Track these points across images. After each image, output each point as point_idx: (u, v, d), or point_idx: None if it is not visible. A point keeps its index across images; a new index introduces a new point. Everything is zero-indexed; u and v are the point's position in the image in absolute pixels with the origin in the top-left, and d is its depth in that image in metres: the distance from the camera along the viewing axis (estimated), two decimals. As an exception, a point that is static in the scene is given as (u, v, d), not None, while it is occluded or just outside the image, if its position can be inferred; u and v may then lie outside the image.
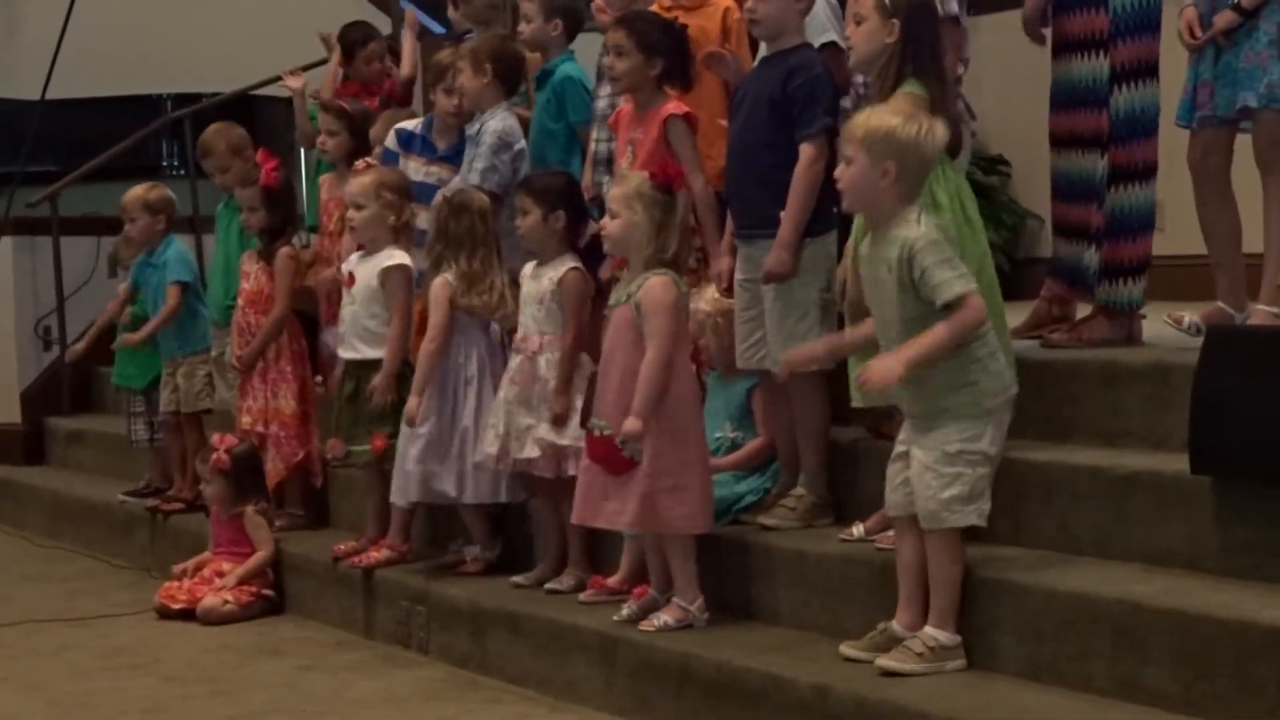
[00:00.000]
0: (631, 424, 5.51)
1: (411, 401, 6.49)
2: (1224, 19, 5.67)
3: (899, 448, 5.03)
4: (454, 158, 7.08)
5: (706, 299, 6.10)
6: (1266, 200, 5.72)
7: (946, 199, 5.26)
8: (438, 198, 6.67)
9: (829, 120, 5.64)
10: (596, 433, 5.64)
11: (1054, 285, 6.35)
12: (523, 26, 7.10)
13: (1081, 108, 6.06)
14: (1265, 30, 5.60)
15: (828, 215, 5.67)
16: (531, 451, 6.18)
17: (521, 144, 6.87)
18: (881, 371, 4.84)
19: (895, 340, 4.93)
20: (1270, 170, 5.70)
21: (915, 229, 4.87)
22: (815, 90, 5.67)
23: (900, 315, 4.92)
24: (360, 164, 7.18)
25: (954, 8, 5.84)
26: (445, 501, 6.68)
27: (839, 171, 5.03)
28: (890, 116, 4.95)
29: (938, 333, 4.82)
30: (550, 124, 6.92)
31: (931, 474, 4.89)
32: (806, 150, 5.64)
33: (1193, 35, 5.71)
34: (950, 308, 4.81)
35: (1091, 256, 6.04)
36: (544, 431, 6.17)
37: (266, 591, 7.36)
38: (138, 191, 8.59)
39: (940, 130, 4.97)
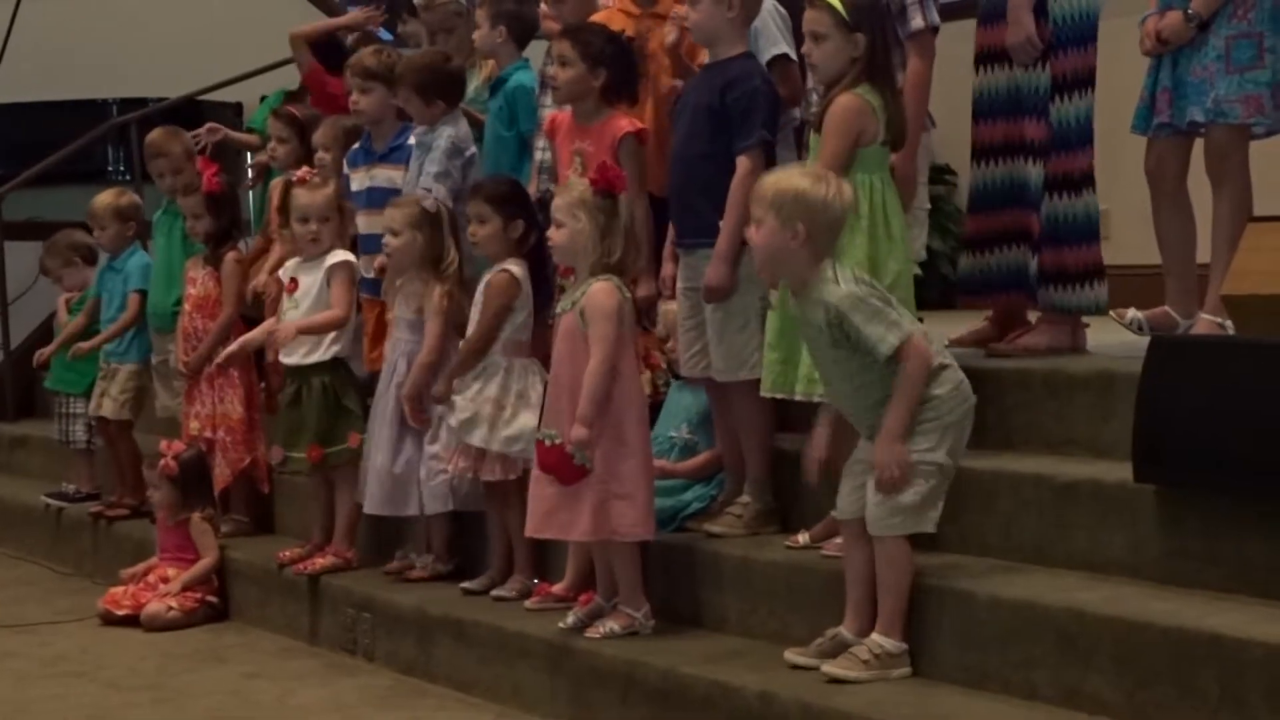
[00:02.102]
0: (579, 432, 5.50)
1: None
2: (1172, 29, 5.71)
3: (858, 455, 5.05)
4: (390, 155, 7.05)
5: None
6: (1215, 212, 5.76)
7: (868, 209, 5.27)
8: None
9: (765, 132, 5.66)
10: (547, 442, 5.62)
11: (995, 300, 6.32)
12: (475, 34, 7.11)
13: (1007, 117, 6.07)
14: (1214, 45, 5.65)
15: None
16: (519, 448, 6.14)
17: (473, 150, 6.85)
18: (890, 467, 4.87)
19: (841, 390, 5.00)
20: (1219, 183, 5.75)
21: (835, 289, 4.88)
22: (752, 102, 5.68)
23: (839, 370, 4.97)
24: (302, 172, 7.13)
25: (935, 17, 5.87)
26: (406, 515, 6.70)
27: (748, 232, 5.04)
28: (799, 178, 4.97)
29: (901, 391, 4.87)
30: (503, 131, 6.93)
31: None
32: (743, 163, 5.65)
33: (1158, 41, 5.75)
34: (895, 358, 4.85)
35: (1032, 262, 6.06)
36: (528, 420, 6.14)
37: (211, 598, 7.33)
38: (107, 199, 8.51)
39: (848, 191, 4.99)
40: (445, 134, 6.78)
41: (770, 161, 5.58)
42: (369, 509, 6.75)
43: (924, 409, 4.91)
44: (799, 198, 4.90)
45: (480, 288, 6.28)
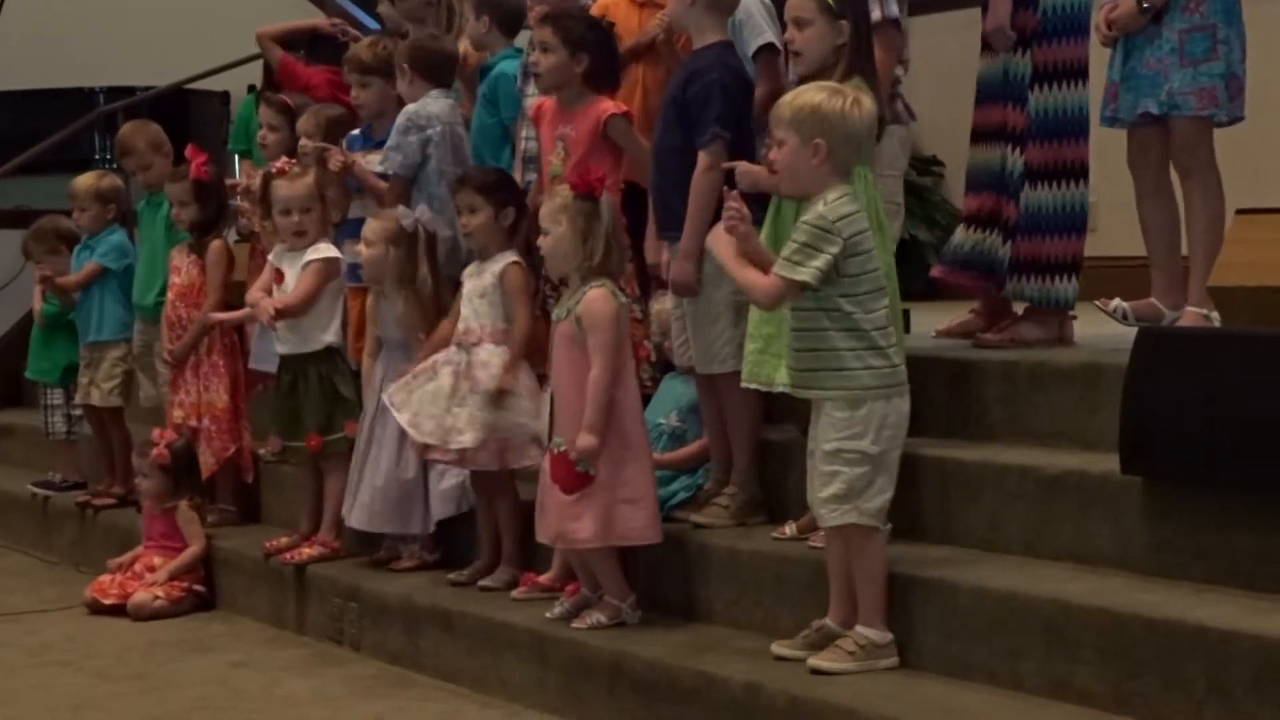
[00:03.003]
0: (585, 439, 5.49)
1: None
2: (1125, 17, 5.74)
3: (809, 444, 5.05)
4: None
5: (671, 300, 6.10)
6: (1187, 203, 5.78)
7: (865, 200, 5.28)
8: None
9: (718, 128, 5.62)
10: (556, 451, 5.64)
11: (958, 276, 6.32)
12: (467, 25, 7.12)
13: (996, 101, 6.08)
14: (1168, 38, 5.69)
15: None
16: (467, 439, 6.12)
17: (435, 129, 6.80)
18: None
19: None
20: (1189, 175, 5.77)
21: (822, 207, 4.86)
22: (708, 96, 5.66)
23: None
24: (280, 163, 7.11)
25: (894, 10, 5.88)
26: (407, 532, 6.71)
27: (773, 154, 5.02)
28: (815, 93, 4.95)
29: (749, 273, 4.93)
30: (486, 118, 6.95)
31: (816, 473, 4.94)
32: (701, 158, 5.65)
33: (1109, 29, 5.79)
34: (774, 277, 4.86)
35: (1004, 250, 6.06)
36: (477, 410, 6.09)
37: (198, 587, 7.33)
38: (89, 180, 8.49)
39: (867, 102, 4.98)
40: (404, 111, 6.81)
41: (742, 157, 5.55)
42: (366, 525, 6.71)
43: (828, 375, 4.87)
44: (816, 112, 4.88)
45: (488, 281, 6.22)
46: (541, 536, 5.81)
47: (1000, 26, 5.96)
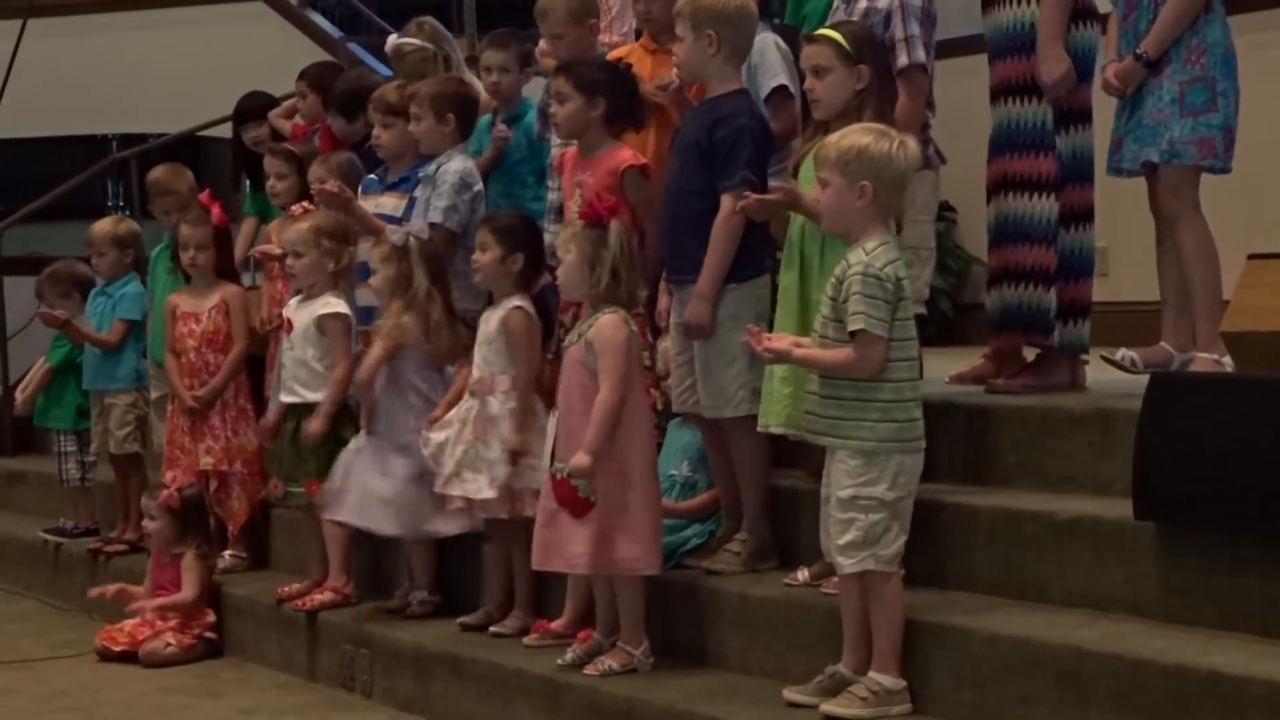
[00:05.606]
0: (579, 459, 5.50)
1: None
2: (1125, 71, 5.75)
3: (823, 491, 5.05)
4: (399, 184, 7.08)
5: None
6: (1181, 250, 5.75)
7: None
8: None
9: (748, 172, 5.64)
10: (558, 475, 5.64)
11: (1002, 339, 6.30)
12: (497, 77, 7.10)
13: (1023, 151, 6.07)
14: (1168, 89, 5.70)
15: (756, 261, 5.69)
16: (488, 493, 6.15)
17: (480, 186, 6.86)
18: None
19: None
20: (1176, 218, 5.76)
21: (863, 255, 4.87)
22: (738, 141, 5.67)
23: (819, 334, 4.98)
24: (298, 209, 7.13)
25: (921, 55, 5.89)
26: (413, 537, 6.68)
27: (817, 194, 5.03)
28: (862, 135, 4.95)
29: (834, 353, 4.89)
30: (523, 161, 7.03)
31: (832, 520, 4.94)
32: (726, 201, 5.65)
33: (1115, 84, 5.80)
34: (854, 339, 4.84)
35: (1050, 299, 6.04)
36: (499, 472, 6.13)
37: (209, 634, 7.31)
38: (106, 226, 8.52)
39: (912, 145, 4.98)
40: (452, 169, 6.80)
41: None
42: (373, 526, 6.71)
43: (847, 425, 4.89)
44: (863, 154, 4.89)
45: (494, 327, 6.24)
46: (537, 563, 5.79)
47: (1069, 72, 5.92)
